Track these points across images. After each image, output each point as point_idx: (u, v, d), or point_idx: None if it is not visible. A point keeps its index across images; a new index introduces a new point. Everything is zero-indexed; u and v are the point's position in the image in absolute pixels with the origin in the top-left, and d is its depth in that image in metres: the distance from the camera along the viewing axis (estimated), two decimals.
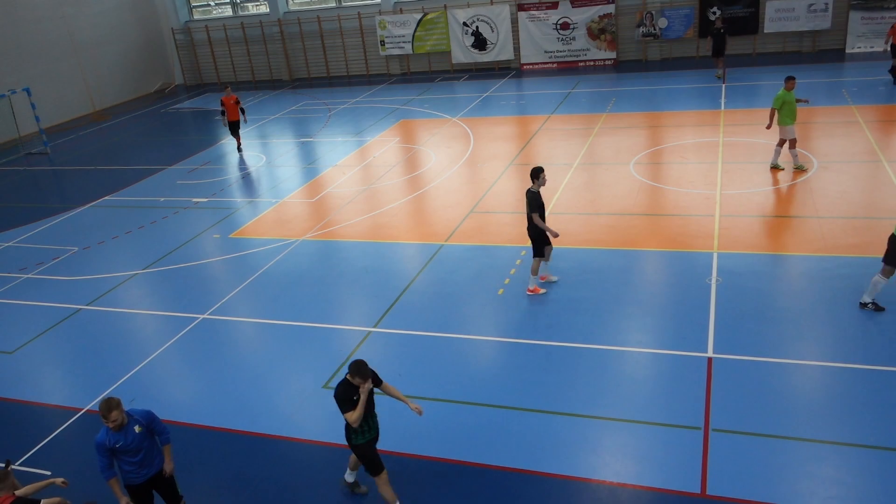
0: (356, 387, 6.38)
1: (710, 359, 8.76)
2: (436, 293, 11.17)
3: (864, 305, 9.48)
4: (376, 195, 15.89)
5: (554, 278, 11.07)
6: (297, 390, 9.10)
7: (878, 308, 9.38)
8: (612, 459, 7.38)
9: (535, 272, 10.69)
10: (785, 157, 14.63)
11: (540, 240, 10.47)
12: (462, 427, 8.04)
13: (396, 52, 29.82)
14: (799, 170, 14.41)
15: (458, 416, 8.24)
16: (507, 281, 11.25)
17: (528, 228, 10.44)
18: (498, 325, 10.14)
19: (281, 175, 18.33)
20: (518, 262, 11.82)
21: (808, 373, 8.38)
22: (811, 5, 24.61)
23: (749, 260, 11.11)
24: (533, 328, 9.93)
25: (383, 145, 19.90)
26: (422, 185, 16.22)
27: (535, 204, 10.17)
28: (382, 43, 29.83)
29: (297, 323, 10.75)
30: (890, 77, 20.38)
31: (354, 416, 6.37)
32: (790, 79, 14.15)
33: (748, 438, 7.39)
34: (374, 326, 10.37)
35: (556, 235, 10.38)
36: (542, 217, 10.26)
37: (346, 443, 6.83)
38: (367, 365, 6.37)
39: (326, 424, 8.37)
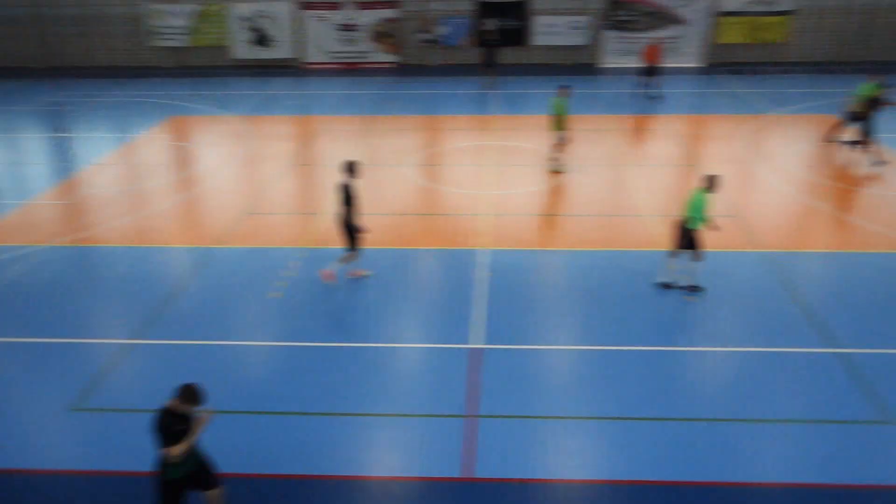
0: (181, 416, 5.71)
1: (476, 349, 9.24)
2: (208, 299, 10.60)
3: (674, 286, 10.68)
4: (142, 196, 14.71)
5: (367, 272, 11.18)
6: (41, 415, 8.11)
7: (692, 290, 10.58)
8: (385, 454, 7.53)
9: (344, 261, 10.81)
10: (551, 160, 15.90)
11: (354, 232, 10.58)
12: (240, 438, 7.70)
13: (170, 43, 27.92)
14: (558, 172, 15.75)
15: (235, 426, 7.86)
16: (284, 283, 10.98)
17: (343, 222, 10.50)
18: (274, 329, 9.86)
19: (28, 174, 16.31)
20: (293, 263, 11.60)
21: (565, 356, 9.17)
22: (571, 22, 27.06)
23: (516, 255, 11.90)
24: (311, 330, 9.79)
25: (151, 143, 18.51)
26: (194, 186, 15.32)
27: (348, 196, 10.27)
28: (154, 33, 27.77)
29: (45, 340, 9.60)
30: (640, 91, 22.97)
31: (181, 449, 5.70)
32: (564, 88, 15.42)
33: (513, 421, 7.92)
34: (138, 338, 9.58)
35: (363, 230, 10.62)
36: (357, 210, 10.41)
37: (156, 470, 6.03)
38: (200, 389, 5.73)
39: (78, 451, 7.58)
